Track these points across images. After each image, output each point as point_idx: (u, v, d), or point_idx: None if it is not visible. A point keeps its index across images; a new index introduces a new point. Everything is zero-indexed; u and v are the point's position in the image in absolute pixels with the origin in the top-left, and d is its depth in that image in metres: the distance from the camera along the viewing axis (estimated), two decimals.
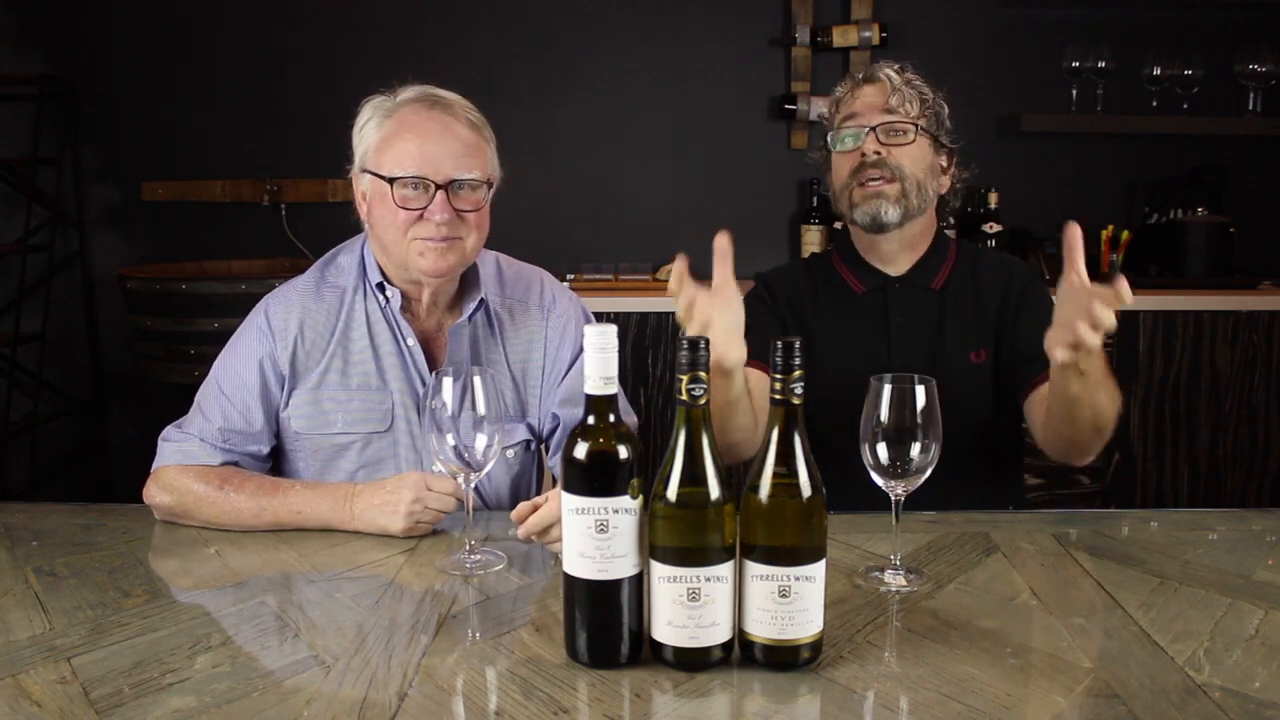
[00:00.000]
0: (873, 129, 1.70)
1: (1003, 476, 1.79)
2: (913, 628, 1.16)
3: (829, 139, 1.77)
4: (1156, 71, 3.34)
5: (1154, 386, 3.14)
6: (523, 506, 1.32)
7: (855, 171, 1.71)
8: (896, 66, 1.75)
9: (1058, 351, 1.35)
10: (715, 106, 3.50)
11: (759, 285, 1.85)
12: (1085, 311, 1.30)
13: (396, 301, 1.59)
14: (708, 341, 1.02)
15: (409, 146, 1.50)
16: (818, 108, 3.36)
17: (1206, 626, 1.16)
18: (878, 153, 1.69)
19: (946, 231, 1.98)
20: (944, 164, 1.77)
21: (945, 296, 1.76)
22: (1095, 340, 1.32)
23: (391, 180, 1.50)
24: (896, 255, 1.76)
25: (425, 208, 1.50)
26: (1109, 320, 1.29)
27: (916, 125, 1.70)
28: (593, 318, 1.72)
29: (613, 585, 1.04)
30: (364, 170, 1.55)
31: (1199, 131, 3.41)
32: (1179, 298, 3.11)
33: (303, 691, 1.02)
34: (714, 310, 1.37)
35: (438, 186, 1.50)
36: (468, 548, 1.36)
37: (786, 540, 1.03)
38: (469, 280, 1.64)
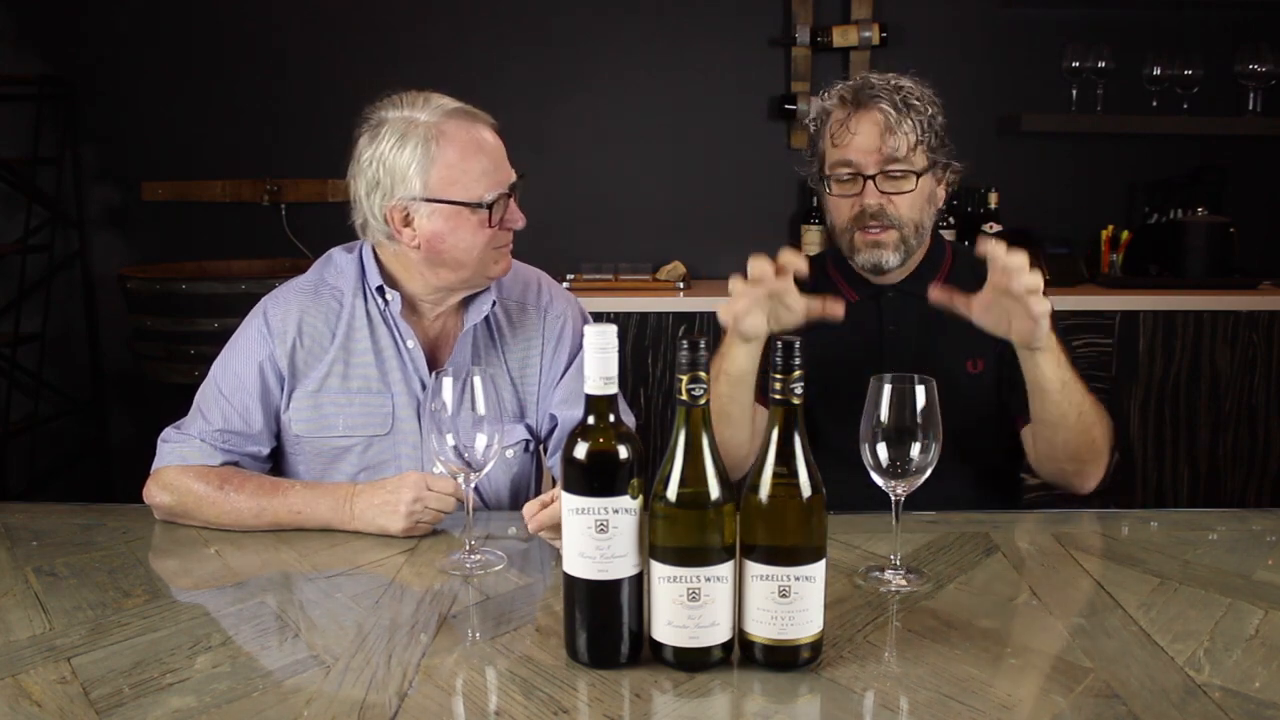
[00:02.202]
0: (871, 178, 1.63)
1: (1003, 482, 1.77)
2: (913, 628, 1.16)
3: (824, 180, 1.69)
4: (1156, 71, 3.34)
5: (1154, 386, 3.13)
6: (532, 504, 1.32)
7: (854, 217, 1.66)
8: (891, 84, 1.63)
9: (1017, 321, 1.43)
10: (715, 106, 3.50)
11: None
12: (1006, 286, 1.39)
13: (396, 304, 1.59)
14: (708, 341, 1.02)
15: (483, 167, 1.51)
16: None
17: (1206, 626, 1.16)
18: (880, 204, 1.64)
19: (944, 233, 1.95)
20: (939, 176, 1.70)
21: (939, 305, 1.73)
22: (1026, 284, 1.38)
23: (489, 206, 1.51)
24: (892, 273, 1.72)
25: (504, 217, 1.53)
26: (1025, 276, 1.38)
27: (918, 174, 1.63)
28: (590, 318, 1.72)
29: (613, 585, 1.04)
30: (426, 199, 1.50)
31: (1199, 131, 3.41)
32: (1179, 298, 3.11)
33: (303, 691, 1.02)
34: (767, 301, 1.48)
35: (508, 195, 1.53)
36: (468, 548, 1.36)
37: (786, 540, 1.03)
38: None
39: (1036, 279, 1.38)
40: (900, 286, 1.72)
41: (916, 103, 1.63)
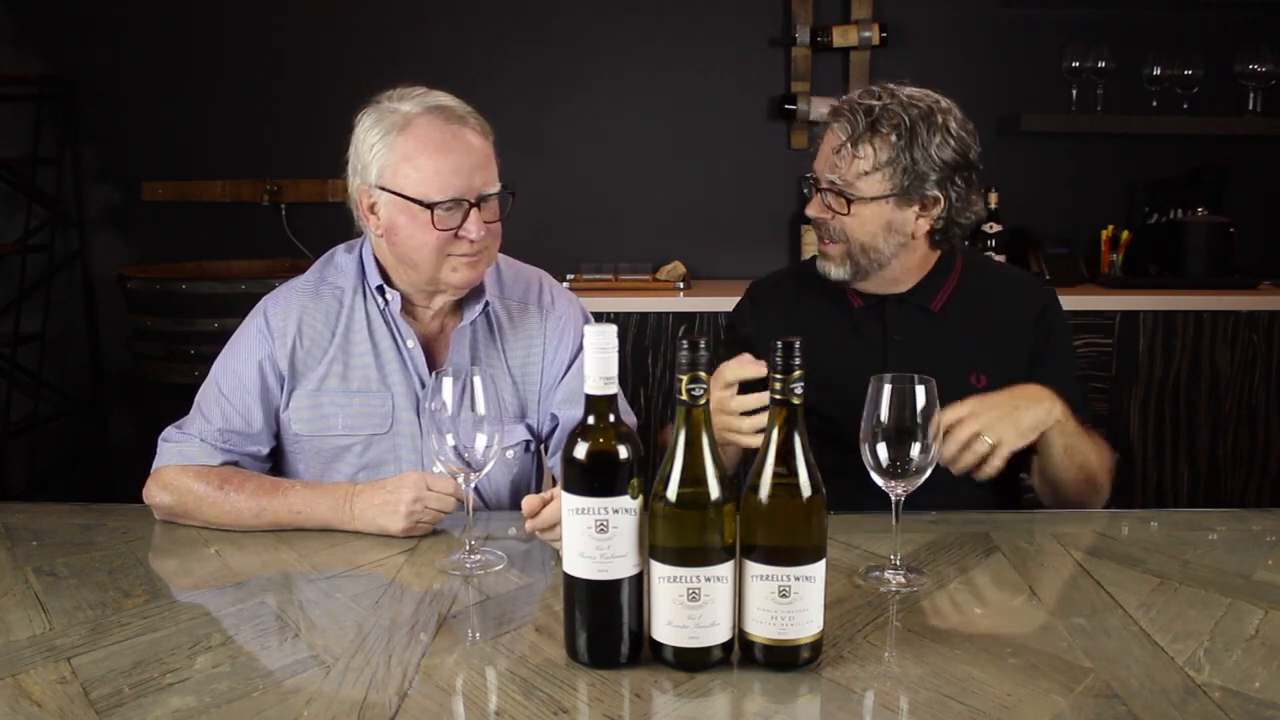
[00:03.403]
0: (821, 191, 1.64)
1: (1003, 484, 1.76)
2: (913, 628, 1.16)
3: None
4: (1156, 71, 3.34)
5: (1154, 386, 3.13)
6: (533, 500, 1.32)
7: (812, 222, 1.69)
8: (865, 104, 1.58)
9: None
10: (715, 106, 3.50)
11: (746, 300, 1.82)
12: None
13: (396, 304, 1.59)
14: (708, 341, 1.02)
15: (439, 166, 1.47)
16: (818, 108, 3.35)
17: (1206, 626, 1.16)
18: (822, 219, 1.64)
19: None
20: (919, 210, 1.62)
21: (944, 318, 1.70)
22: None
23: (432, 206, 1.47)
24: (888, 286, 1.70)
25: (460, 226, 1.49)
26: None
27: (849, 200, 1.59)
28: (591, 318, 1.72)
29: (613, 585, 1.04)
30: (380, 188, 1.50)
31: (1199, 131, 3.41)
32: (1179, 298, 3.11)
33: (303, 691, 1.02)
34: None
35: (471, 205, 1.50)
36: (468, 548, 1.36)
37: (786, 540, 1.03)
38: None
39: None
40: (904, 297, 1.70)
41: (888, 129, 1.56)
